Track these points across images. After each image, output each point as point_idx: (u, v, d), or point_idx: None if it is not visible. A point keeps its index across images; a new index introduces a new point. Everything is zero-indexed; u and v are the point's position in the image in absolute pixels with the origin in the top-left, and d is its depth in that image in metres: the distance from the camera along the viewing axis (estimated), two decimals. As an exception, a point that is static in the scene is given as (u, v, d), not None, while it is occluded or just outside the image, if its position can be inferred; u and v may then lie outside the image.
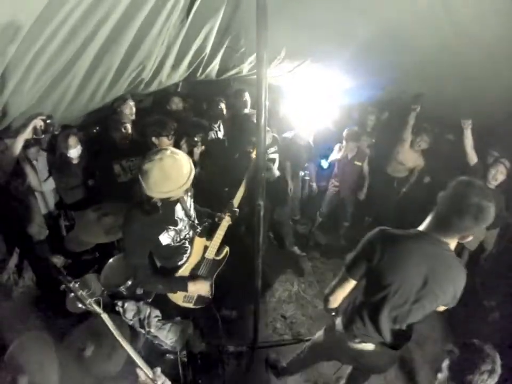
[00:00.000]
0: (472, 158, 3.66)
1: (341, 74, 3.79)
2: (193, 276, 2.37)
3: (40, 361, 1.83)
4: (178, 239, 2.19)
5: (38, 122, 2.47)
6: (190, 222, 2.27)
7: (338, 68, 3.61)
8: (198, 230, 2.32)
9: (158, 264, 2.33)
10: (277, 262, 4.38)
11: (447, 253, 1.65)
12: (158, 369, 1.57)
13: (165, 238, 2.10)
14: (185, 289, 2.27)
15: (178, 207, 2.15)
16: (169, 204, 2.04)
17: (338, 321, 2.12)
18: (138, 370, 1.51)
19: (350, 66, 3.45)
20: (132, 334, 2.36)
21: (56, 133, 2.71)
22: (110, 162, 3.31)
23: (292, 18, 2.55)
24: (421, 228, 1.73)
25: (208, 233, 2.42)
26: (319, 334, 2.40)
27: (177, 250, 2.26)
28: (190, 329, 2.63)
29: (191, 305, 2.53)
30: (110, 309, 2.50)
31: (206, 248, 2.39)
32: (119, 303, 2.47)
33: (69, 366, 1.92)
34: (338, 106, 4.69)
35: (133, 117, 3.67)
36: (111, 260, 2.79)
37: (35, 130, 2.49)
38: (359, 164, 4.47)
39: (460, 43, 2.66)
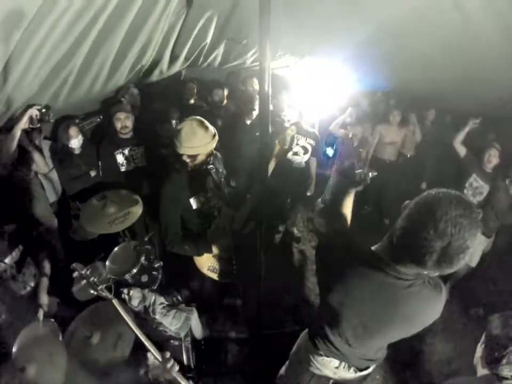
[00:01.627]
0: (460, 151, 3.80)
1: (344, 65, 3.77)
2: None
3: (48, 349, 1.87)
4: (207, 206, 2.50)
5: (34, 112, 2.53)
6: (219, 193, 2.54)
7: (341, 61, 3.59)
8: (225, 198, 2.58)
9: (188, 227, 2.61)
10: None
11: (406, 287, 1.34)
12: (167, 353, 1.68)
13: (195, 202, 2.46)
14: (210, 251, 2.56)
15: (209, 178, 2.46)
16: (202, 173, 2.40)
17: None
18: (148, 354, 1.55)
19: (352, 59, 3.43)
20: (137, 321, 2.39)
21: (52, 121, 2.72)
22: (112, 151, 3.34)
23: (294, 13, 2.53)
24: (374, 247, 1.47)
25: (236, 205, 2.61)
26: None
27: (206, 217, 2.55)
28: (194, 316, 2.68)
29: (215, 276, 2.74)
30: (115, 296, 2.56)
31: (233, 219, 2.59)
32: (125, 291, 2.50)
33: (75, 354, 1.94)
34: (344, 93, 4.68)
35: (138, 105, 3.69)
36: (116, 248, 2.81)
37: (31, 119, 2.55)
38: (362, 150, 4.51)
39: (464, 39, 2.63)
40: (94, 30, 2.04)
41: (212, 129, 2.28)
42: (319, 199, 4.99)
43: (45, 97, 2.60)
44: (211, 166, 2.37)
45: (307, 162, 4.19)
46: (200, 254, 2.57)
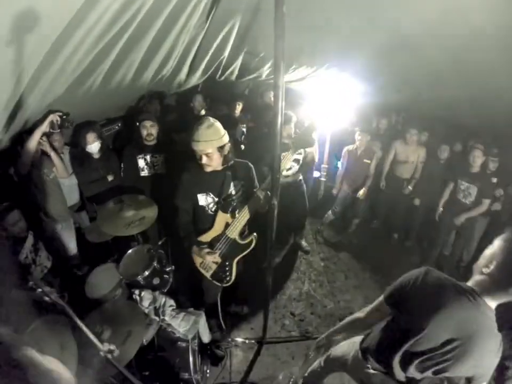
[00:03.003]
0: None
1: (356, 78, 3.84)
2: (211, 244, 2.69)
3: (60, 343, 1.92)
4: (213, 208, 2.59)
5: (55, 117, 2.67)
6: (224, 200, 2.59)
7: (353, 73, 3.66)
8: (221, 203, 2.59)
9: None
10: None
11: (489, 321, 1.40)
12: None
13: (203, 199, 2.57)
14: (196, 244, 2.65)
15: (225, 184, 2.55)
16: (216, 175, 2.52)
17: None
18: None
19: (365, 70, 3.49)
20: (147, 321, 2.47)
21: (71, 127, 2.87)
22: (135, 155, 3.46)
23: (308, 25, 2.61)
24: (471, 284, 1.46)
25: (232, 211, 2.62)
26: (342, 349, 2.19)
27: (207, 217, 2.62)
28: (202, 320, 2.75)
29: (207, 274, 2.79)
30: (127, 296, 2.66)
31: (227, 225, 2.61)
32: (136, 292, 2.59)
33: (86, 349, 1.98)
34: (355, 108, 4.77)
35: (157, 115, 3.83)
36: (130, 251, 2.90)
37: (52, 124, 2.69)
38: (368, 162, 4.59)
39: (472, 48, 2.69)
40: (122, 39, 2.16)
41: (221, 127, 2.42)
42: (329, 211, 5.03)
43: (69, 102, 2.72)
44: (228, 173, 2.51)
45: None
46: (194, 244, 2.67)
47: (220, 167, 2.51)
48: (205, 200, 2.57)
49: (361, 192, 4.65)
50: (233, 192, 2.60)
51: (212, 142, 2.33)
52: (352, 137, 4.68)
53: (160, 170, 3.57)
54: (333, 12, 2.52)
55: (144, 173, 3.52)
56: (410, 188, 4.67)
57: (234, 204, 2.60)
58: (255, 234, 2.70)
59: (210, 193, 2.56)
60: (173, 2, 2.12)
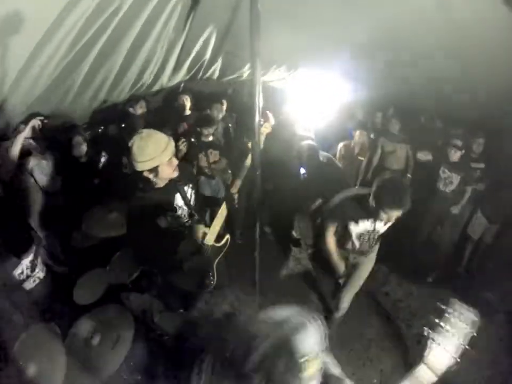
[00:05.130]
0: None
1: (339, 76, 3.88)
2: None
3: (49, 351, 1.92)
4: (176, 225, 2.34)
5: (36, 122, 2.64)
6: (189, 211, 2.41)
7: (336, 71, 3.70)
8: (195, 217, 2.43)
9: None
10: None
11: None
12: None
13: (163, 222, 2.26)
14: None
15: (178, 196, 2.33)
16: (168, 191, 2.26)
17: None
18: None
19: (348, 68, 3.53)
20: (136, 324, 2.47)
21: (51, 131, 2.85)
22: (119, 156, 3.46)
23: (289, 23, 2.63)
24: None
25: (208, 220, 2.56)
26: None
27: (175, 236, 2.37)
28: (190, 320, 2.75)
29: None
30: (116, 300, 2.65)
31: (205, 234, 2.45)
32: (125, 295, 2.59)
33: (76, 355, 2.01)
34: (340, 104, 4.81)
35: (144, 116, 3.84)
36: (116, 255, 2.91)
37: (33, 129, 2.67)
38: (362, 159, 4.64)
39: (457, 43, 2.74)
40: (99, 41, 2.16)
41: (164, 136, 2.14)
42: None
43: (48, 104, 2.71)
44: (180, 182, 2.32)
45: None
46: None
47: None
48: (165, 221, 2.33)
49: None
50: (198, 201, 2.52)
51: (154, 160, 2.07)
52: (341, 134, 4.74)
53: None
54: (315, 11, 2.55)
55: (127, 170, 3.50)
56: (409, 175, 4.73)
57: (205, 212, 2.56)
58: (228, 235, 2.60)
59: (169, 212, 2.34)
60: (150, 7, 2.12)
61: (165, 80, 3.45)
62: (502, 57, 2.72)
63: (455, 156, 3.95)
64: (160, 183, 2.21)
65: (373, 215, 2.46)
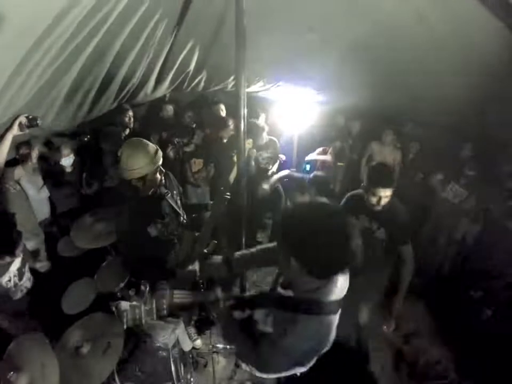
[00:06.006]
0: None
1: (319, 87, 4.00)
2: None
3: (40, 361, 1.92)
4: (166, 233, 2.40)
5: (22, 119, 2.66)
6: (177, 218, 2.47)
7: (315, 83, 3.81)
8: (184, 225, 2.50)
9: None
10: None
11: None
12: None
13: (153, 230, 2.32)
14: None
15: (165, 203, 2.38)
16: (155, 200, 2.31)
17: None
18: None
19: (327, 79, 3.64)
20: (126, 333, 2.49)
21: (39, 125, 2.87)
22: (105, 169, 3.48)
23: (270, 40, 2.72)
24: None
25: (197, 226, 2.55)
26: None
27: (166, 244, 2.45)
28: (180, 328, 2.78)
29: None
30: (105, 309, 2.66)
31: (195, 242, 2.46)
32: (113, 304, 2.60)
33: (66, 366, 2.01)
34: (321, 112, 4.92)
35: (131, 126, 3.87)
36: (104, 264, 2.91)
37: (20, 126, 2.69)
38: (342, 164, 4.76)
39: (433, 53, 2.87)
40: (85, 51, 2.19)
41: (152, 146, 2.22)
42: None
43: (36, 110, 2.71)
44: (166, 190, 2.38)
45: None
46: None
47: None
48: (155, 229, 2.38)
49: None
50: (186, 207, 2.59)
51: (143, 169, 2.16)
52: (322, 141, 4.86)
53: None
54: (294, 23, 2.65)
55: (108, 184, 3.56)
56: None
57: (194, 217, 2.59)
58: (214, 241, 2.60)
59: (158, 220, 2.40)
60: (137, 16, 2.18)
61: (148, 91, 3.49)
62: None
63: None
64: (148, 192, 2.28)
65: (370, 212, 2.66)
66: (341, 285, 1.34)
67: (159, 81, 3.22)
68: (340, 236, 1.17)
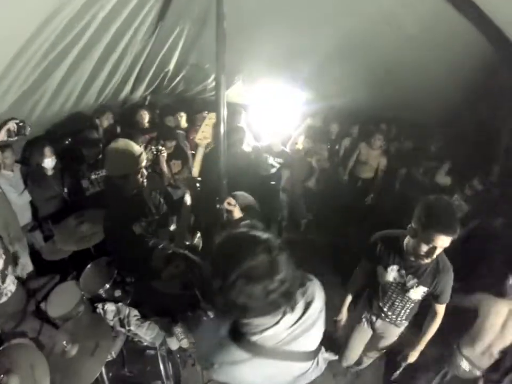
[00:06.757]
0: (445, 181, 4.23)
1: (300, 88, 4.08)
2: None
3: (30, 363, 1.93)
4: (150, 230, 2.46)
5: (12, 125, 2.64)
6: (160, 216, 2.53)
7: (297, 83, 3.89)
8: (168, 222, 2.55)
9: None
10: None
11: None
12: None
13: (137, 228, 2.38)
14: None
15: (147, 202, 2.47)
16: (139, 199, 2.40)
17: None
18: None
19: (308, 80, 3.72)
20: (114, 333, 2.51)
21: (27, 134, 2.84)
22: (78, 178, 3.48)
23: (250, 39, 2.77)
24: None
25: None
26: None
27: (150, 242, 2.46)
28: (167, 327, 2.81)
29: None
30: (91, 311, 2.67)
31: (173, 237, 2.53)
32: (100, 306, 2.61)
33: (55, 367, 2.03)
34: (304, 115, 5.01)
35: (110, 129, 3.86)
36: (89, 266, 2.91)
37: (8, 132, 2.66)
38: (310, 159, 4.85)
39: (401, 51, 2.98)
40: (70, 54, 2.22)
41: (138, 147, 2.31)
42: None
43: (19, 112, 2.71)
44: (147, 189, 2.44)
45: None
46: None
47: None
48: (139, 227, 2.42)
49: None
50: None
51: (126, 168, 2.24)
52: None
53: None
54: (274, 26, 2.72)
55: (89, 192, 3.57)
56: (373, 195, 5.01)
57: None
58: (198, 233, 2.66)
59: (142, 218, 2.45)
60: (121, 19, 2.21)
61: (128, 90, 3.50)
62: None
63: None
64: (131, 192, 2.33)
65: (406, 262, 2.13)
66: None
67: (139, 80, 3.24)
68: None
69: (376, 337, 2.67)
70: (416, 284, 2.14)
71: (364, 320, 2.64)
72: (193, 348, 2.49)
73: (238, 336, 1.17)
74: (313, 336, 1.29)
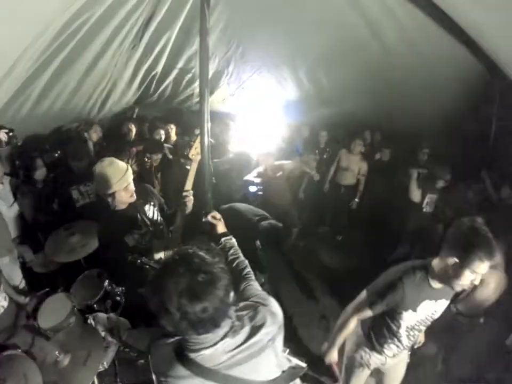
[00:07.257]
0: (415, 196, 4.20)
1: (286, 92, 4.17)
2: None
3: (23, 373, 1.94)
4: (144, 242, 2.50)
5: (2, 135, 2.64)
6: (154, 228, 2.57)
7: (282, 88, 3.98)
8: (162, 233, 2.58)
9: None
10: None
11: None
12: None
13: (130, 240, 2.44)
14: None
15: (140, 215, 2.51)
16: (130, 212, 2.45)
17: None
18: None
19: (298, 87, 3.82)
20: (105, 343, 2.52)
21: (18, 144, 2.85)
22: (68, 189, 3.49)
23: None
24: None
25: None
26: None
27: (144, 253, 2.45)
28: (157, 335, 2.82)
29: None
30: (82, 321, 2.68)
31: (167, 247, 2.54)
32: (91, 316, 2.63)
33: (48, 378, 2.04)
34: (287, 124, 5.10)
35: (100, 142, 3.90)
36: (80, 277, 2.93)
37: None
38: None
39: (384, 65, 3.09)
40: (56, 60, 2.27)
41: (122, 165, 2.36)
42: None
43: (7, 113, 2.77)
44: (139, 202, 2.50)
45: None
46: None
47: None
48: (132, 239, 2.48)
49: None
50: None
51: (112, 186, 2.28)
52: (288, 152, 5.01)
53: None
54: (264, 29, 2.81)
55: (79, 203, 3.58)
56: (357, 200, 5.08)
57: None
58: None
59: (135, 231, 2.50)
60: (110, 28, 2.27)
61: (116, 97, 3.55)
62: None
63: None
64: (121, 206, 2.41)
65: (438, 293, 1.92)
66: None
67: (127, 85, 3.29)
68: None
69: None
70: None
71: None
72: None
73: (180, 351, 1.19)
74: (264, 365, 1.23)
